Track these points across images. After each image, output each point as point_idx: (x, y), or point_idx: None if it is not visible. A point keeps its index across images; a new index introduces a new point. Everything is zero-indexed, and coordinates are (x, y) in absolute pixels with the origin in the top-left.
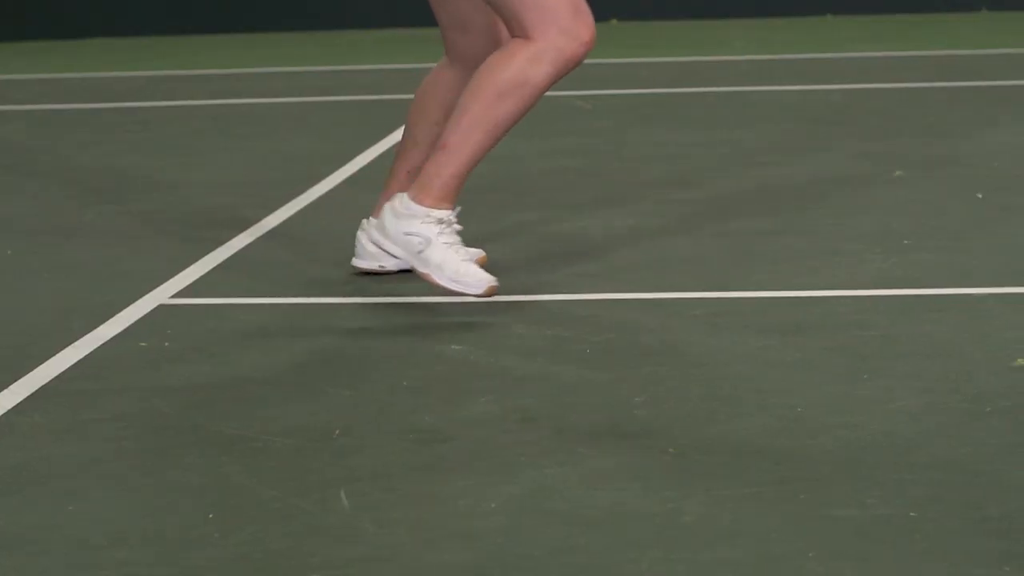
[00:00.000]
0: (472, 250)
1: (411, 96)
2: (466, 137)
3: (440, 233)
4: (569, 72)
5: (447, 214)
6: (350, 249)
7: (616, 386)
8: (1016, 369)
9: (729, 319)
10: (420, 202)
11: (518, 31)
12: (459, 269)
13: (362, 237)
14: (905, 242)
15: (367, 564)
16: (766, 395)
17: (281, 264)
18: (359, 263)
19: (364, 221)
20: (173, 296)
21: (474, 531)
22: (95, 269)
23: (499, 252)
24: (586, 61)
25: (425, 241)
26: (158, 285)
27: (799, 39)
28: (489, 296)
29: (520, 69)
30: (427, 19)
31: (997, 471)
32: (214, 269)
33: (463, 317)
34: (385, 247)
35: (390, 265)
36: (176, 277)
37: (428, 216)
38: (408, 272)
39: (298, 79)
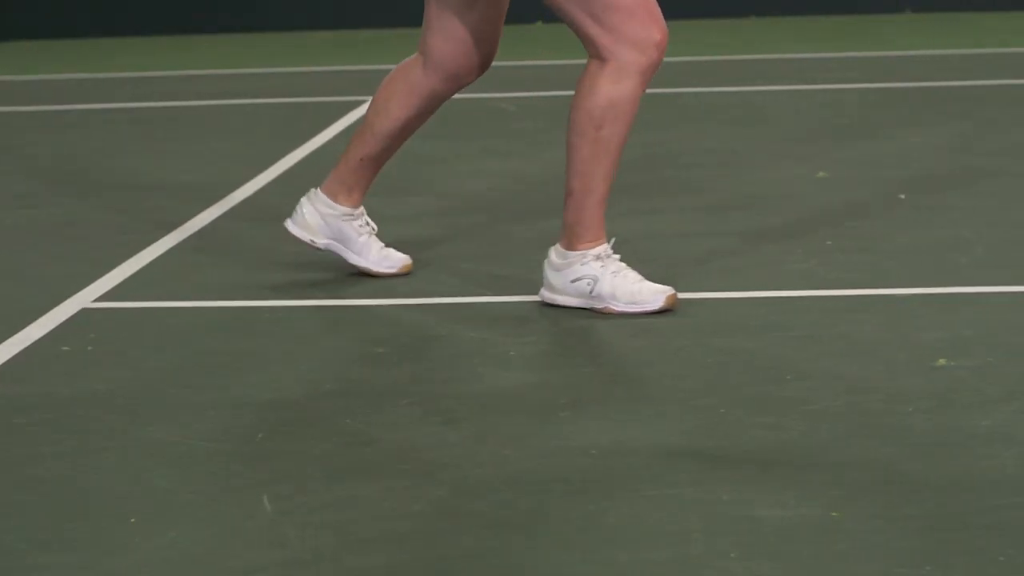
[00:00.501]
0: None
1: (332, 99)
2: (586, 177)
3: (603, 267)
4: (654, 71)
5: (602, 248)
6: (273, 252)
7: (541, 389)
8: (937, 369)
9: (652, 321)
10: (575, 249)
11: (592, 51)
12: (632, 292)
13: (304, 203)
14: (828, 243)
15: (289, 568)
16: (688, 396)
17: (204, 267)
18: (292, 228)
19: (312, 191)
20: (96, 300)
21: (397, 534)
22: (17, 273)
23: (417, 253)
24: (511, 63)
25: (592, 280)
26: (81, 289)
27: (724, 41)
28: (671, 306)
29: (606, 94)
30: (347, 22)
31: (918, 471)
32: (137, 272)
33: (385, 320)
34: (560, 302)
35: (320, 244)
36: (99, 281)
37: (584, 257)
38: (332, 259)
39: (219, 82)
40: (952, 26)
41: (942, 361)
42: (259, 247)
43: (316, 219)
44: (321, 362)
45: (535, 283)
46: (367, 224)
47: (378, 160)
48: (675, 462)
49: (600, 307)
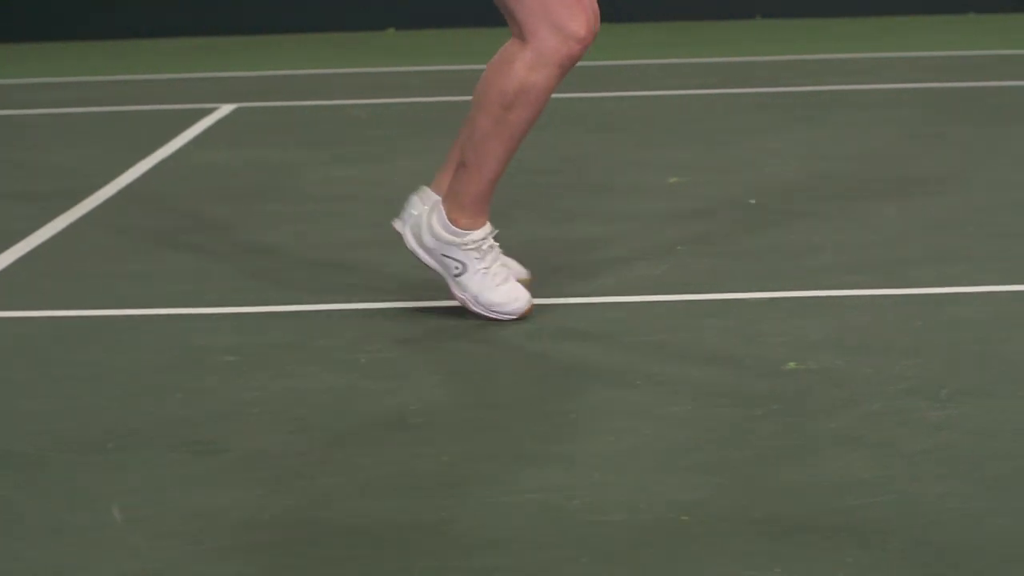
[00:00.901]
0: (514, 265)
1: (187, 106)
2: (483, 152)
3: (478, 259)
4: (572, 67)
5: (482, 233)
6: (120, 261)
7: (391, 395)
8: (786, 373)
9: (502, 325)
10: (455, 222)
11: (515, 31)
12: (491, 300)
13: (414, 200)
14: (678, 248)
15: None
16: (538, 401)
17: (51, 277)
18: (396, 222)
19: (423, 188)
20: None
21: (249, 543)
22: None
23: (268, 261)
24: (362, 70)
25: (462, 267)
26: None
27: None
28: (527, 315)
29: (521, 77)
30: (198, 28)
31: (767, 474)
32: None
33: (234, 328)
34: (422, 259)
35: (411, 244)
36: None
37: (465, 244)
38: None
39: (72, 89)
40: (802, 32)
41: (791, 365)
42: (105, 257)
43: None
44: (170, 371)
45: (384, 291)
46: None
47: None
48: (524, 467)
49: (459, 295)
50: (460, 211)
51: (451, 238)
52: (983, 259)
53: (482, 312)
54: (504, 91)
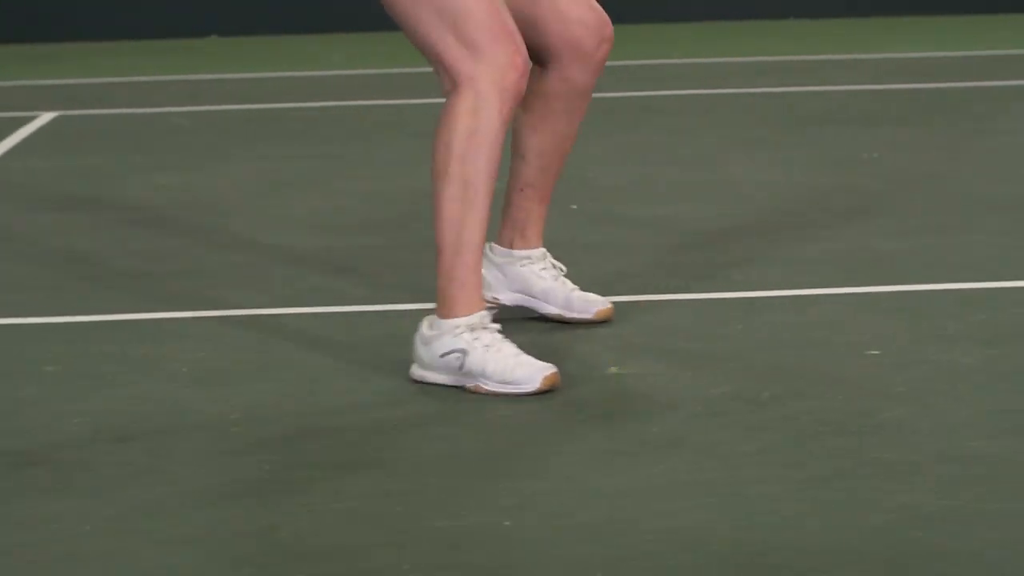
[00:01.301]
0: (592, 298)
1: (6, 115)
2: (457, 227)
3: (475, 339)
4: (517, 102)
5: (478, 317)
6: None
7: (214, 403)
8: (610, 377)
9: (322, 335)
10: (447, 317)
11: (445, 79)
12: (504, 369)
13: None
14: None
15: None
16: (363, 409)
17: None
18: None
19: (490, 244)
20: None
21: (70, 555)
22: None
23: (90, 269)
24: (186, 77)
25: (462, 354)
26: None
27: (396, 52)
28: (550, 386)
29: (466, 125)
30: (17, 35)
31: (588, 478)
32: None
33: (55, 338)
34: (430, 380)
35: (503, 300)
36: None
37: (456, 328)
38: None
39: None
40: (633, 36)
41: (614, 369)
42: None
43: (495, 275)
44: None
45: (208, 299)
46: (552, 267)
47: (541, 187)
48: (347, 474)
49: (471, 385)
50: (448, 306)
51: (439, 331)
52: (800, 263)
53: (496, 389)
54: (454, 144)
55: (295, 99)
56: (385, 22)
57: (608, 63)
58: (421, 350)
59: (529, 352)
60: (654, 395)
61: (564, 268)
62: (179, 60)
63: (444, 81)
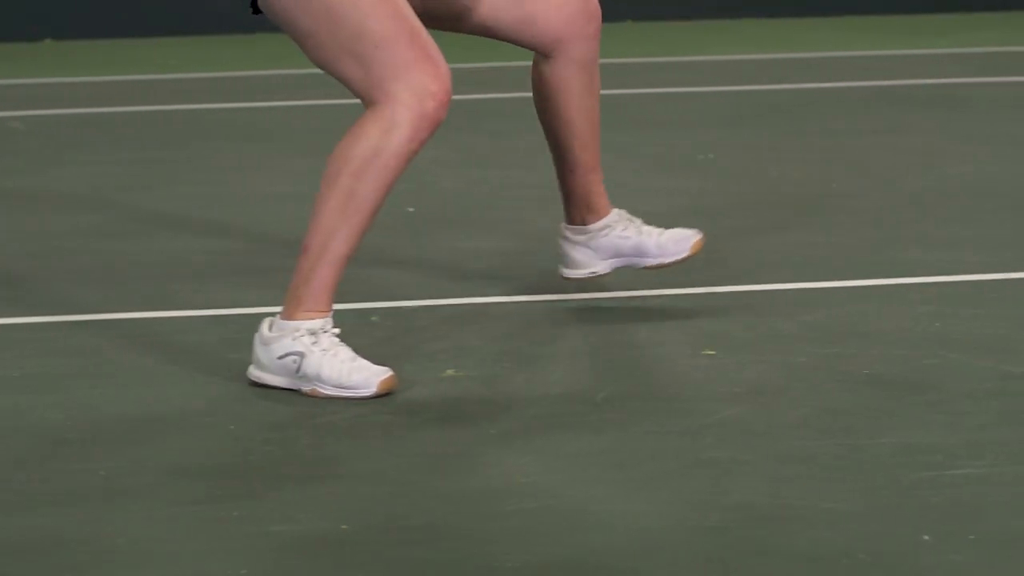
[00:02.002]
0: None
1: None
2: (329, 234)
3: (314, 343)
4: (432, 132)
5: (320, 323)
6: None
7: (50, 409)
8: (445, 379)
9: (167, 339)
10: (291, 318)
11: (365, 100)
12: (340, 374)
13: (566, 246)
14: None
15: None
16: (199, 415)
17: None
18: (569, 273)
19: (565, 229)
20: None
21: None
22: None
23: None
24: (21, 80)
25: (299, 357)
26: None
27: (238, 56)
28: (386, 390)
29: (372, 143)
30: None
31: (425, 481)
32: None
33: None
34: (268, 382)
35: (601, 270)
36: None
37: (297, 331)
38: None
39: None
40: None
41: (450, 372)
42: None
43: (584, 252)
44: None
45: (45, 304)
46: (630, 223)
47: (587, 161)
48: (189, 480)
49: (307, 389)
50: (295, 307)
51: (280, 333)
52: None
53: (332, 392)
54: (351, 158)
55: (130, 103)
56: (222, 25)
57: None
58: (260, 351)
59: (367, 357)
60: (491, 397)
61: (640, 219)
62: (14, 63)
63: (364, 100)
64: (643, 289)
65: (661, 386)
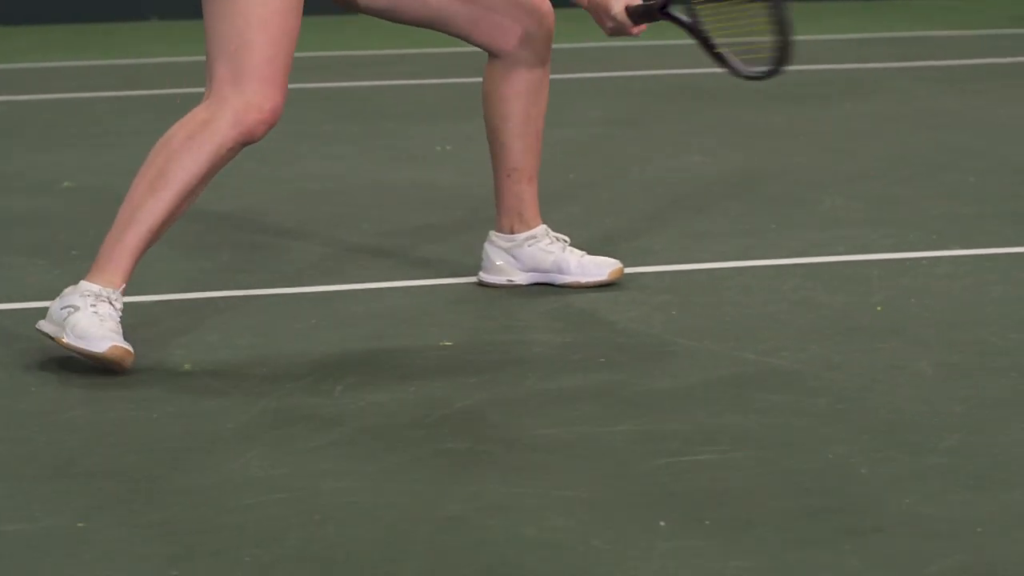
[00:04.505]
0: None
1: None
2: (136, 207)
3: (92, 305)
4: (248, 142)
5: (109, 292)
6: None
7: None
8: (182, 374)
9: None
10: (88, 280)
11: (206, 90)
12: (87, 328)
13: (490, 250)
14: (72, 253)
15: None
16: (61, 423)
17: None
18: (487, 277)
19: (492, 234)
20: None
21: None
22: None
23: None
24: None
25: (73, 310)
26: None
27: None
28: (118, 360)
29: (191, 130)
30: None
31: (157, 477)
32: None
33: None
34: (44, 330)
35: (518, 280)
36: None
37: (87, 292)
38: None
39: None
40: (198, 34)
41: (187, 366)
42: None
43: (506, 259)
44: None
45: None
46: (556, 240)
47: (527, 168)
48: None
49: (61, 338)
50: (98, 274)
51: (78, 291)
52: (374, 257)
53: (71, 342)
54: (171, 138)
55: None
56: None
57: (179, 59)
58: (54, 303)
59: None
60: (227, 391)
61: (568, 239)
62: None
63: (206, 89)
64: (379, 281)
65: (398, 377)
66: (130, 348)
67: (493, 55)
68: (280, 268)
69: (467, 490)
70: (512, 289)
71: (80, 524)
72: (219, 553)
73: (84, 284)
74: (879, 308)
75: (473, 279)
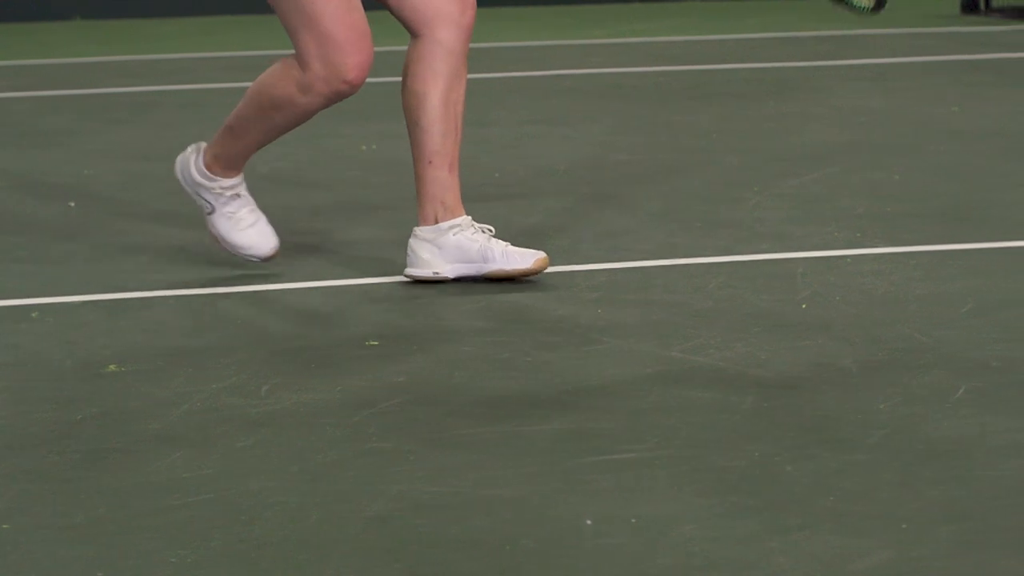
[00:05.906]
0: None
1: None
2: (245, 129)
3: (225, 204)
4: (341, 99)
5: (232, 182)
6: None
7: None
8: (106, 375)
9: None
10: (210, 168)
11: (295, 52)
12: (236, 242)
13: (414, 244)
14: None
15: None
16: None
17: None
18: (413, 272)
19: (416, 229)
20: None
21: None
22: None
23: None
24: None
25: (211, 207)
26: None
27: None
28: (271, 257)
29: (290, 94)
30: None
31: (83, 477)
32: None
33: None
34: (185, 188)
35: (445, 272)
36: None
37: (213, 187)
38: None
39: None
40: (122, 33)
41: (112, 367)
42: None
43: (430, 251)
44: None
45: None
46: (480, 231)
47: (446, 154)
48: None
49: (211, 231)
50: (215, 162)
51: (202, 181)
52: (302, 256)
53: (230, 251)
54: (273, 96)
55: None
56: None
57: (102, 58)
58: (186, 170)
59: (31, 356)
60: (152, 392)
61: (492, 228)
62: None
63: (294, 48)
64: (305, 281)
65: (323, 377)
66: (276, 246)
67: (415, 34)
68: (206, 269)
69: (393, 489)
70: (439, 288)
71: (4, 526)
72: (145, 554)
73: (209, 175)
74: (804, 306)
75: (399, 279)
